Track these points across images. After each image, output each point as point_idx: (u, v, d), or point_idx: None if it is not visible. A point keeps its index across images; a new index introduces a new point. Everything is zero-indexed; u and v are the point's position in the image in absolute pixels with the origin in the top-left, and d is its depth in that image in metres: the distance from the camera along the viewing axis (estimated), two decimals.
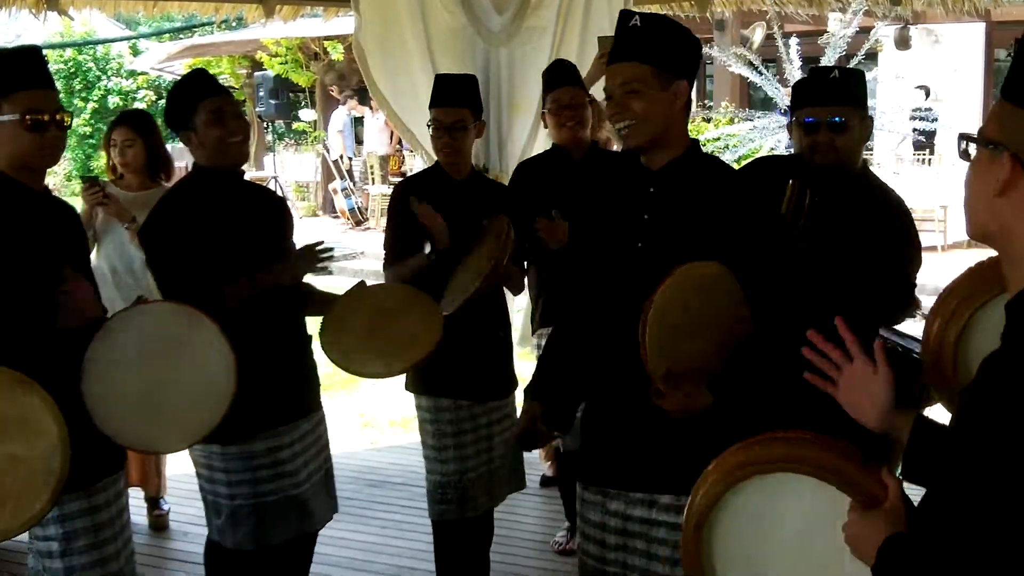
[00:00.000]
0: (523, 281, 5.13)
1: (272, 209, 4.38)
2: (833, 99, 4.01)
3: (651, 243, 3.24)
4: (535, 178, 5.21)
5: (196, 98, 4.04)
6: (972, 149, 1.84)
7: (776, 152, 13.34)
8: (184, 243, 3.96)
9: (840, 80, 4.07)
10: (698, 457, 3.11)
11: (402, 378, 4.76)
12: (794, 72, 13.62)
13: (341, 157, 20.79)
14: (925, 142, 16.17)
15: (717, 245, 3.12)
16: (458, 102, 4.69)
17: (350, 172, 20.76)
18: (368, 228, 19.75)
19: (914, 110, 15.26)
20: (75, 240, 3.72)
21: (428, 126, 4.75)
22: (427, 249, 4.58)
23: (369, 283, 4.53)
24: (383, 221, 18.98)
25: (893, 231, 4.04)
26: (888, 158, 15.61)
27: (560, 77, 5.21)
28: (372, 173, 20.34)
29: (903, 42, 16.09)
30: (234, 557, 4.27)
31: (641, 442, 3.31)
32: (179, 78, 4.22)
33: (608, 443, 3.40)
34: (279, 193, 14.03)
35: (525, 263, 5.15)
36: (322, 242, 4.21)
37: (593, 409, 3.48)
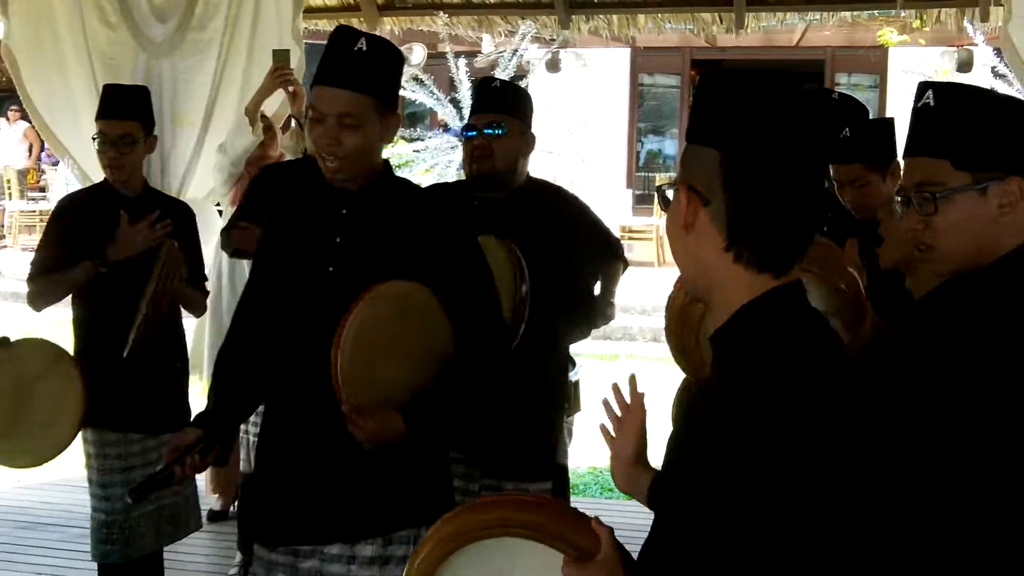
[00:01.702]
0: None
1: None
2: (491, 107, 4.08)
3: (343, 266, 3.10)
4: (278, 184, 4.85)
5: None
6: (670, 195, 1.88)
7: (444, 174, 13.45)
8: None
9: (500, 90, 4.17)
10: (398, 495, 3.07)
11: None
12: (464, 92, 13.78)
13: None
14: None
15: (412, 267, 3.03)
16: (126, 114, 4.39)
17: None
18: (5, 246, 18.64)
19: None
20: None
21: (93, 139, 4.41)
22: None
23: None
24: (22, 238, 18.15)
25: (566, 245, 4.12)
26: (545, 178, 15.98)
27: None
28: (9, 188, 19.27)
29: (553, 65, 16.52)
30: None
31: (335, 485, 3.10)
32: None
33: (296, 490, 3.15)
34: None
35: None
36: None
37: (272, 453, 3.24)
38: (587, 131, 16.37)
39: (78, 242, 4.32)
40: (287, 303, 3.17)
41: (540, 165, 15.98)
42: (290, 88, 5.49)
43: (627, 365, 11.37)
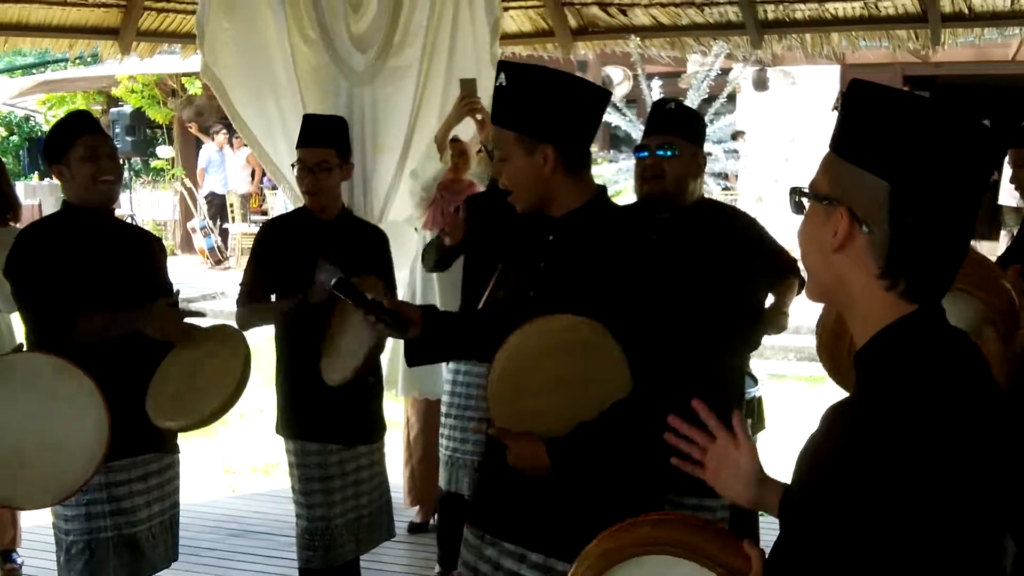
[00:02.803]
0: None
1: (142, 247, 4.37)
2: (664, 128, 4.11)
3: (543, 292, 3.14)
4: (485, 213, 5.04)
5: (74, 134, 4.10)
6: (805, 202, 1.87)
7: None
8: (45, 272, 3.99)
9: (674, 112, 4.17)
10: (568, 521, 3.09)
11: (266, 421, 4.66)
12: None
13: (212, 195, 20.43)
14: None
15: (607, 301, 2.99)
16: (323, 143, 4.62)
17: (222, 208, 20.34)
18: (228, 268, 19.43)
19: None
20: None
21: (293, 166, 4.65)
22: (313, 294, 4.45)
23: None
24: (244, 260, 18.83)
25: (732, 263, 4.12)
26: (749, 199, 15.83)
27: None
28: (232, 211, 20.06)
29: (761, 84, 16.37)
30: None
31: (518, 494, 3.22)
32: (61, 116, 4.32)
33: (492, 487, 3.32)
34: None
35: None
36: (178, 302, 4.17)
37: (488, 451, 3.38)
38: (795, 149, 16.16)
39: (278, 264, 4.58)
40: (490, 324, 3.26)
41: (746, 184, 15.88)
42: (478, 116, 5.64)
43: (833, 389, 11.19)
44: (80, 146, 4.07)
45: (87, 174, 4.07)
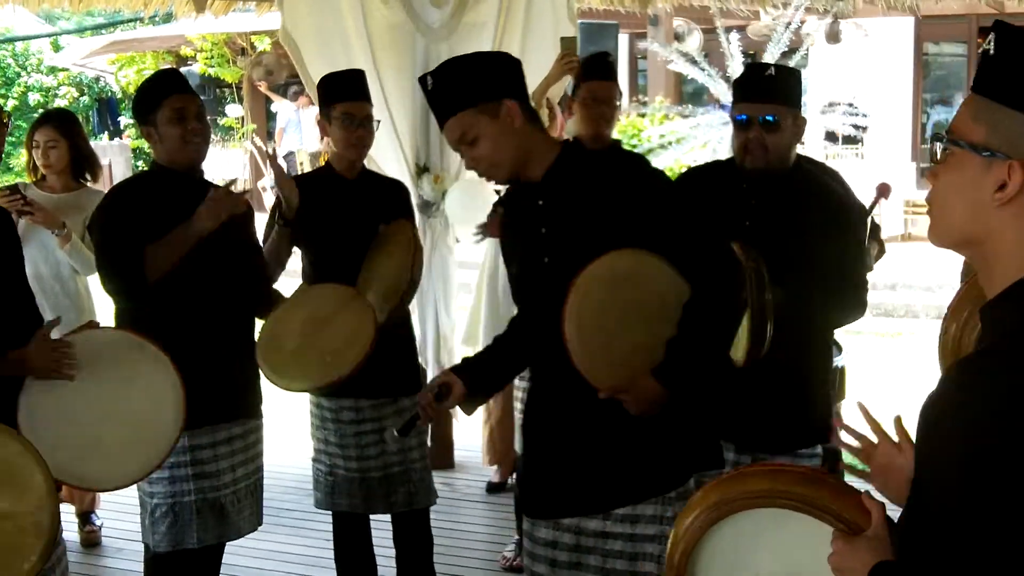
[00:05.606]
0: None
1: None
2: (765, 96, 3.93)
3: (556, 256, 3.17)
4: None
5: (162, 94, 4.07)
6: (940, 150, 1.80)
7: (718, 150, 13.31)
8: (127, 229, 3.97)
9: (775, 78, 3.98)
10: (649, 462, 3.20)
11: None
12: (735, 67, 13.62)
13: (291, 155, 20.52)
14: (855, 136, 16.24)
15: (619, 234, 3.07)
16: (365, 96, 4.60)
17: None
18: None
19: (832, 104, 15.39)
20: (8, 245, 3.54)
21: (338, 121, 4.57)
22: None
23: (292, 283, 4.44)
24: None
25: (834, 228, 3.94)
26: (817, 152, 15.67)
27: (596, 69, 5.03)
28: (302, 170, 20.13)
29: (833, 36, 16.13)
30: (159, 562, 4.22)
31: (587, 464, 3.22)
32: (151, 74, 4.36)
33: (553, 472, 3.29)
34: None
35: None
36: (232, 182, 4.31)
37: (534, 436, 3.40)
38: (868, 102, 15.97)
39: (301, 221, 4.54)
40: (522, 295, 3.35)
41: (818, 140, 15.73)
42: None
43: (909, 341, 11.09)
44: (167, 107, 4.04)
45: (175, 135, 4.04)
